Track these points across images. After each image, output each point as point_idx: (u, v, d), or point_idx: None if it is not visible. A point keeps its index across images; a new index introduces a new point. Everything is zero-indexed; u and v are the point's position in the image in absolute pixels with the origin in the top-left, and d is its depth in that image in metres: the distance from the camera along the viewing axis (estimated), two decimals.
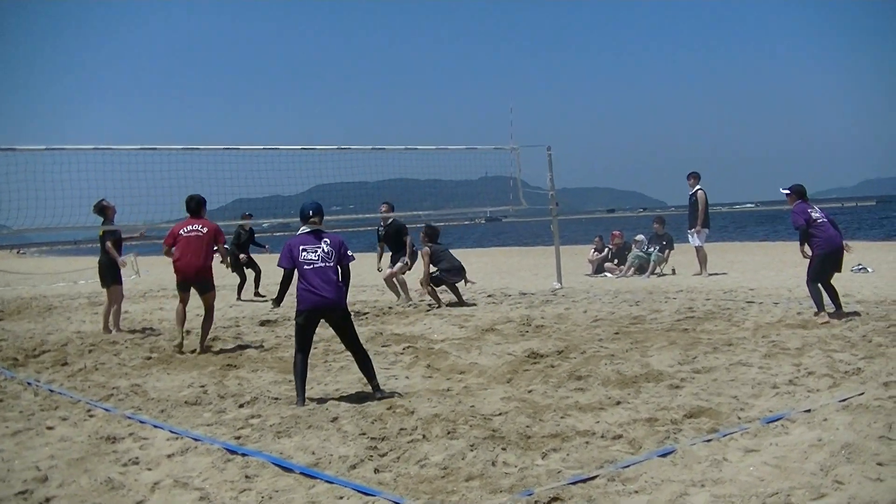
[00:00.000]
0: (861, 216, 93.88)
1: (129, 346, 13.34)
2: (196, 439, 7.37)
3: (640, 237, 23.79)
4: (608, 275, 23.41)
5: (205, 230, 12.79)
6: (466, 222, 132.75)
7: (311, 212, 9.44)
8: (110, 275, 15.27)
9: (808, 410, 7.29)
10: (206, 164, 16.97)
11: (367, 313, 16.24)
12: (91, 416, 8.56)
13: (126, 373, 11.02)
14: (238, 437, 7.45)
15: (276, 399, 8.96)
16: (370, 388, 9.14)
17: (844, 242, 13.10)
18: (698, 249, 21.64)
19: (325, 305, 9.03)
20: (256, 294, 20.86)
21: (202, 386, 9.89)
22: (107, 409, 8.77)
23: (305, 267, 9.07)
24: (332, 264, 9.18)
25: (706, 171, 22.14)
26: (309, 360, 9.29)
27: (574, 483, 5.71)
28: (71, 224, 15.52)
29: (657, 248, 22.94)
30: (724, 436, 6.66)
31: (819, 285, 12.92)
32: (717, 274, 21.38)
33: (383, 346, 12.20)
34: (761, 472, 5.80)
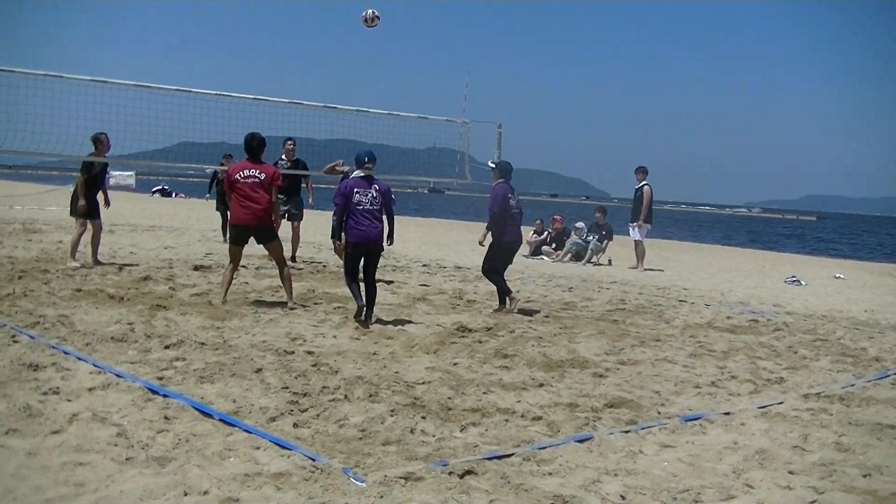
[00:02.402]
0: (801, 229, 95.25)
1: (60, 276, 13.15)
2: (119, 375, 7.28)
3: (580, 224, 23.92)
4: (545, 258, 23.54)
5: (263, 175, 11.76)
6: (409, 190, 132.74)
7: (366, 158, 11.26)
8: (73, 206, 15.06)
9: (728, 413, 7.35)
10: (157, 103, 16.77)
11: (302, 269, 16.16)
12: (15, 341, 8.42)
13: (54, 302, 10.85)
14: (161, 378, 7.38)
15: (203, 344, 8.88)
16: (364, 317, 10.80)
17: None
18: (637, 243, 21.78)
19: (369, 240, 11.02)
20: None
21: (130, 323, 9.75)
22: (32, 337, 8.64)
23: (357, 207, 10.95)
24: (377, 207, 11.10)
25: (652, 168, 22.25)
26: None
27: (490, 458, 5.70)
28: (18, 149, 15.27)
29: (596, 237, 23.09)
30: (643, 429, 6.69)
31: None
32: (653, 270, 21.53)
33: (315, 304, 12.14)
34: (675, 468, 5.83)
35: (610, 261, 23.10)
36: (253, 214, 11.69)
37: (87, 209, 14.81)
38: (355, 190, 10.98)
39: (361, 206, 10.96)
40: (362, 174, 11.19)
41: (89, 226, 14.93)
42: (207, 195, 25.59)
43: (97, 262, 14.92)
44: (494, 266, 12.90)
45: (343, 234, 11.15)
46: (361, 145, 17.31)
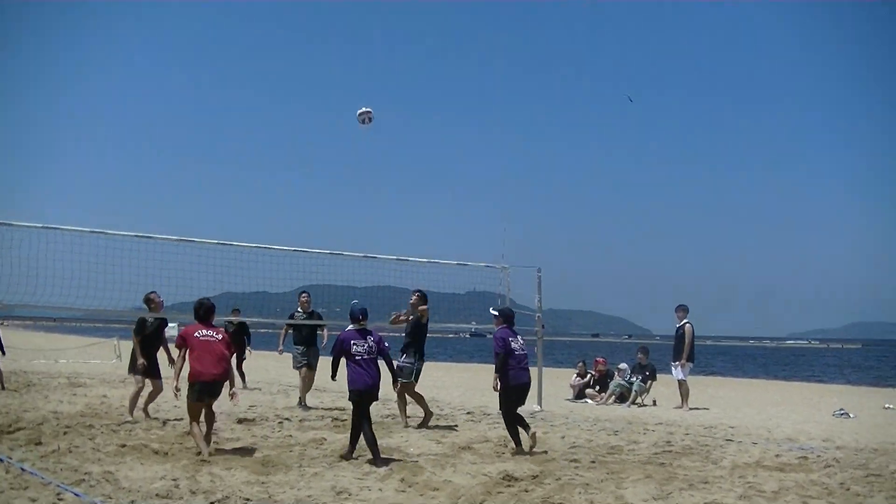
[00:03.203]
0: (847, 359, 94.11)
1: (105, 431, 13.26)
2: None
3: (623, 366, 23.80)
4: (589, 401, 23.35)
5: (220, 336, 12.26)
6: (451, 335, 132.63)
7: (360, 315, 12.33)
8: (132, 364, 15.43)
9: None
10: (199, 257, 17.11)
11: (346, 420, 16.14)
12: (60, 499, 8.51)
13: (99, 458, 10.95)
14: None
15: (248, 500, 8.91)
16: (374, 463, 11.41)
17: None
18: (681, 383, 21.64)
19: (370, 387, 11.97)
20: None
21: (174, 479, 9.80)
22: (77, 495, 8.71)
23: (357, 357, 11.95)
24: (374, 356, 12.13)
25: (692, 303, 22.42)
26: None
27: None
28: (64, 304, 15.63)
29: (640, 377, 22.94)
30: None
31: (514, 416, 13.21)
32: (697, 409, 21.34)
33: (359, 457, 12.12)
34: None
35: (654, 401, 22.93)
36: (211, 374, 11.94)
37: (145, 368, 15.05)
38: (353, 342, 12.04)
39: (360, 357, 12.01)
40: (356, 327, 12.29)
41: (148, 384, 15.14)
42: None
43: (147, 416, 15.05)
44: (510, 410, 13.23)
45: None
46: (402, 292, 17.42)
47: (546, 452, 13.02)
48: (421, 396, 16.26)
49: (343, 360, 12.09)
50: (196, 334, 12.12)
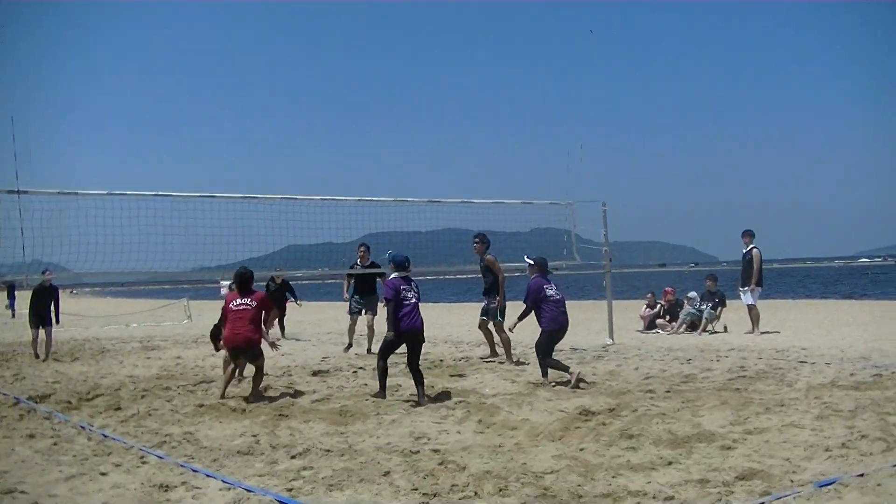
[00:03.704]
0: None
1: (182, 392, 13.50)
2: (248, 490, 7.44)
3: (692, 294, 23.70)
4: (660, 331, 23.31)
5: (253, 303, 13.18)
6: (517, 274, 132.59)
7: (407, 263, 13.00)
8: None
9: (862, 475, 7.24)
10: (262, 212, 17.25)
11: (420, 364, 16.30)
12: (144, 462, 8.66)
13: (178, 420, 11.16)
14: (290, 490, 7.51)
15: (328, 451, 9.01)
16: (418, 402, 12.11)
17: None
18: (751, 308, 21.53)
19: (417, 330, 12.55)
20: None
21: (254, 435, 9.98)
22: (160, 457, 8.88)
23: (405, 302, 12.51)
24: (419, 301, 12.77)
25: (759, 227, 22.19)
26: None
27: None
28: (132, 269, 15.87)
29: (709, 305, 22.84)
30: (777, 499, 6.65)
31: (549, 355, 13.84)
32: (769, 332, 21.22)
33: (435, 400, 12.26)
34: None
35: (725, 327, 22.83)
36: (239, 339, 13.01)
37: None
38: (402, 287, 12.62)
39: (409, 302, 12.61)
40: (402, 274, 12.86)
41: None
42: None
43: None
44: (546, 351, 13.79)
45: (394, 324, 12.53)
46: (466, 234, 17.54)
47: (620, 384, 13.09)
48: (492, 336, 16.52)
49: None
50: (231, 304, 13.23)
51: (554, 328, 13.79)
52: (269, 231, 17.38)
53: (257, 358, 13.12)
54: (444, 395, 12.66)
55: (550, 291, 13.97)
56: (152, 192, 16.08)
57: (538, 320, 13.89)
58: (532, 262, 14.56)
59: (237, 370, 13.60)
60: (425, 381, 12.62)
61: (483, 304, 17.40)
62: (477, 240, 17.29)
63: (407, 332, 12.49)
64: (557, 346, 13.83)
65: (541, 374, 13.79)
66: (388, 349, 12.76)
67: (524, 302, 14.12)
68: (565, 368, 13.44)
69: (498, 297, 16.66)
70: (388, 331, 12.50)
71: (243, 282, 13.43)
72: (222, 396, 12.82)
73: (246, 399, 12.61)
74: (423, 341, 12.92)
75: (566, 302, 14.09)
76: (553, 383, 13.32)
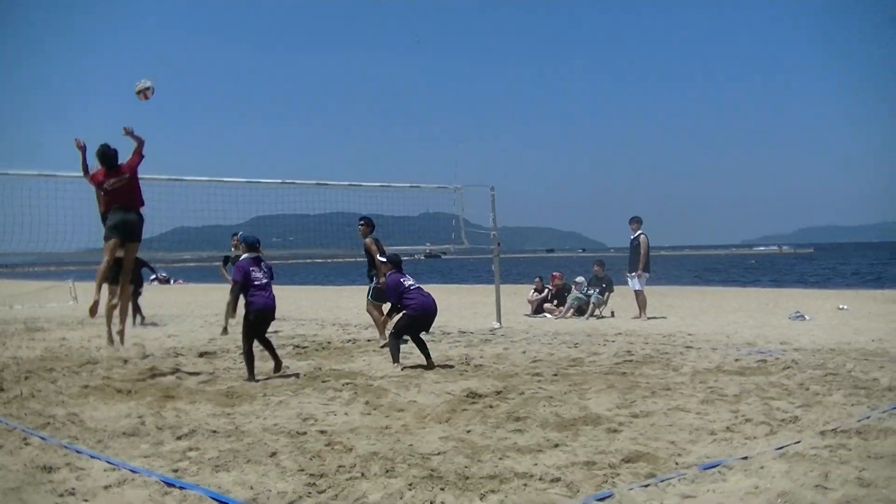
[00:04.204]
0: (798, 264, 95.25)
1: (67, 374, 13.13)
2: (133, 471, 7.22)
3: (580, 279, 23.89)
4: (548, 315, 23.50)
5: (127, 175, 13.55)
6: (406, 258, 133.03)
7: (257, 244, 13.20)
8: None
9: (745, 458, 7.30)
10: (150, 194, 16.83)
11: (307, 347, 16.15)
12: (27, 444, 8.36)
13: (63, 401, 10.81)
14: (176, 470, 7.32)
15: (215, 432, 8.83)
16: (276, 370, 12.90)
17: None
18: (638, 293, 21.79)
19: (269, 308, 12.90)
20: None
21: (140, 416, 9.71)
22: (43, 438, 8.57)
23: (256, 282, 12.79)
24: (269, 281, 12.99)
25: (645, 214, 22.54)
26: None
27: None
28: (15, 250, 15.45)
29: (597, 290, 23.07)
30: (662, 481, 6.64)
31: (402, 338, 14.12)
32: (655, 318, 21.52)
33: (323, 382, 12.11)
34: None
35: (613, 312, 23.10)
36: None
37: None
38: (251, 268, 12.91)
39: (259, 282, 12.88)
40: (254, 255, 13.12)
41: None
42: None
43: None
44: (398, 333, 13.94)
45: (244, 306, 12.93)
46: (356, 217, 17.40)
47: (507, 367, 13.10)
48: (381, 316, 16.34)
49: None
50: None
51: (421, 313, 13.75)
52: (156, 213, 16.98)
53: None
54: (332, 377, 12.52)
55: (409, 283, 14.07)
56: (35, 172, 15.63)
57: (405, 309, 13.82)
58: (384, 260, 14.97)
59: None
60: (310, 361, 12.53)
61: (368, 285, 17.33)
62: (362, 222, 17.21)
63: (261, 311, 12.80)
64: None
65: (392, 357, 13.76)
66: (247, 331, 12.91)
67: (389, 301, 14.34)
68: (396, 358, 13.57)
69: (381, 279, 16.50)
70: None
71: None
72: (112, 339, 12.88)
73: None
74: (273, 319, 13.29)
75: (455, 287, 14.16)
76: (401, 367, 13.30)
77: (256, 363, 12.64)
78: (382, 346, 15.78)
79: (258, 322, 12.88)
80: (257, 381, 12.31)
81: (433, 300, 14.01)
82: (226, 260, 20.15)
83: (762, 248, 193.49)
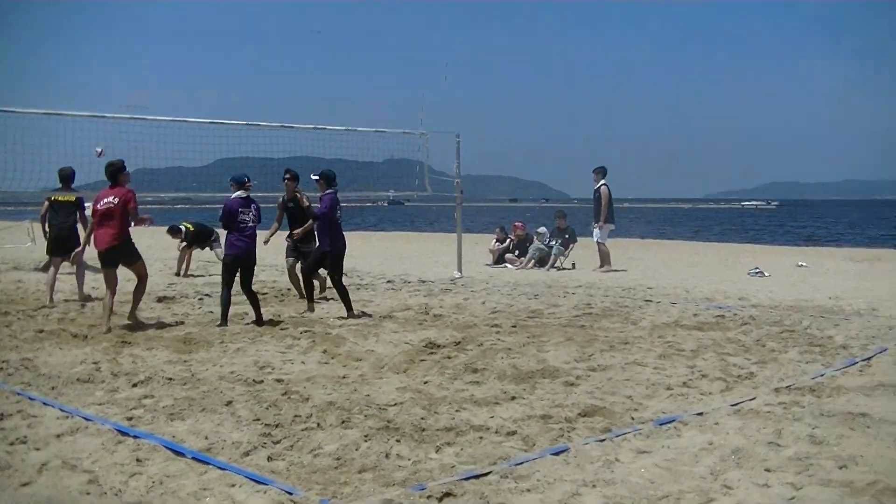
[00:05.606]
0: (760, 219, 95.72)
1: (22, 318, 13.00)
2: (87, 419, 7.18)
3: (542, 230, 23.84)
4: (508, 266, 23.45)
5: (116, 200, 12.23)
6: (369, 204, 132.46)
7: (246, 179, 12.89)
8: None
9: (701, 413, 7.35)
10: (110, 133, 16.58)
11: (266, 294, 16.07)
12: None
13: (16, 346, 10.71)
14: (130, 419, 7.28)
15: (171, 379, 8.79)
16: (257, 323, 12.51)
17: None
18: (600, 245, 21.80)
19: (247, 254, 12.64)
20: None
21: (95, 363, 9.65)
22: None
23: (241, 225, 12.56)
24: (256, 223, 12.75)
25: (610, 166, 22.40)
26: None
27: (467, 479, 5.66)
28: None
29: (559, 241, 23.04)
30: (617, 436, 6.67)
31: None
32: (616, 271, 21.54)
33: (281, 330, 12.06)
34: (652, 473, 5.81)
35: (574, 264, 23.08)
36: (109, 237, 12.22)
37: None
38: (240, 209, 12.64)
39: (244, 224, 12.66)
40: (244, 194, 12.81)
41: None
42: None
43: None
44: (314, 269, 14.02)
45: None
46: (319, 161, 17.16)
47: (467, 318, 13.10)
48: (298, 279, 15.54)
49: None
50: (97, 206, 12.37)
51: (342, 246, 13.66)
52: (118, 152, 16.69)
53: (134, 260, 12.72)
54: (290, 325, 12.48)
55: (338, 212, 13.64)
56: None
57: (328, 238, 13.53)
58: (318, 177, 13.72)
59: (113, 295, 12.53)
60: (268, 308, 12.45)
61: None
62: (287, 176, 15.42)
63: (238, 256, 12.64)
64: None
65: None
66: (224, 275, 12.81)
67: (318, 213, 13.54)
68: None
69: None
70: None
71: (111, 174, 12.53)
72: (108, 329, 11.91)
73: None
74: (254, 265, 13.05)
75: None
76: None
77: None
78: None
79: (234, 266, 12.69)
80: (227, 326, 12.29)
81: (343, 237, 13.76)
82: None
83: (751, 203, 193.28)
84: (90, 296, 15.29)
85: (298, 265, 14.72)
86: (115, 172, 12.45)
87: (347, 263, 15.15)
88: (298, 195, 14.28)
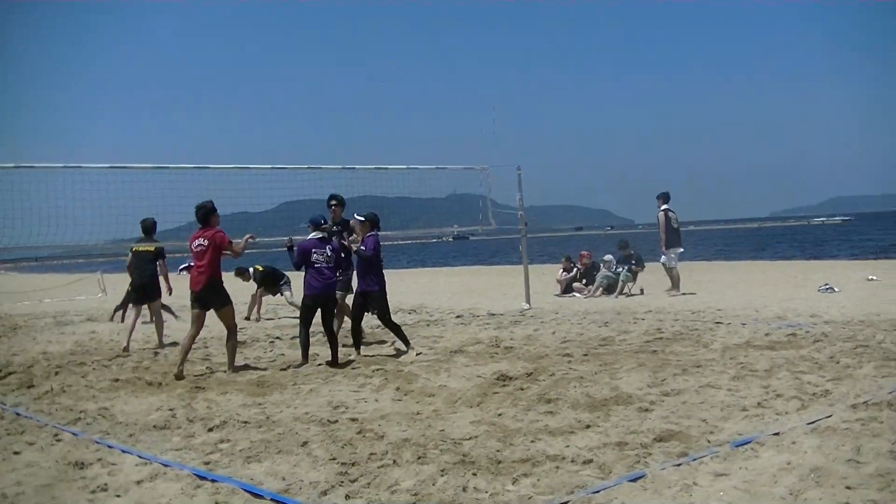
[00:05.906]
0: (827, 235, 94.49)
1: (97, 367, 13.23)
2: (165, 465, 7.28)
3: (608, 257, 23.79)
4: (577, 295, 23.41)
5: (206, 242, 12.51)
6: (434, 240, 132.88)
7: (322, 221, 13.29)
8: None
9: (777, 433, 7.29)
10: (176, 182, 16.84)
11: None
12: (58, 440, 8.44)
13: (93, 395, 10.90)
14: (207, 463, 7.37)
15: (246, 423, 8.88)
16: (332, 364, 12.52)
17: None
18: (668, 269, 21.71)
19: (324, 293, 12.85)
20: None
21: (171, 409, 9.79)
22: (74, 434, 8.65)
23: (315, 265, 12.81)
24: (332, 264, 13.00)
25: (674, 190, 22.32)
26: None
27: None
28: (43, 243, 15.50)
29: (626, 267, 22.97)
30: (694, 460, 6.65)
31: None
32: (685, 294, 21.43)
33: (353, 369, 12.15)
34: (731, 496, 5.79)
35: (642, 290, 23.00)
36: (202, 278, 12.51)
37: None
38: (314, 250, 12.90)
39: (319, 264, 12.87)
40: (319, 235, 13.11)
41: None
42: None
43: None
44: (361, 314, 13.92)
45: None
46: (382, 200, 17.22)
47: (538, 349, 13.09)
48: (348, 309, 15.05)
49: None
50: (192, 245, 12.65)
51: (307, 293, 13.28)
52: (181, 201, 16.97)
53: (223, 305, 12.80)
54: (362, 364, 12.56)
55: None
56: (61, 165, 15.66)
57: (375, 277, 13.46)
58: (363, 218, 13.64)
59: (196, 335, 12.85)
60: (342, 348, 12.53)
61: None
62: (334, 202, 15.32)
63: (315, 295, 12.87)
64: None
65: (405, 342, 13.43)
66: (302, 314, 13.15)
67: (365, 254, 13.28)
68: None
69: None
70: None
71: (201, 217, 12.76)
72: (180, 371, 12.13)
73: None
74: (335, 304, 13.38)
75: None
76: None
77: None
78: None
79: (314, 307, 12.95)
80: (297, 369, 12.43)
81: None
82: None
83: (820, 220, 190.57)
84: (164, 343, 15.54)
85: (349, 297, 14.78)
86: (207, 214, 12.71)
87: (416, 300, 15.29)
88: (347, 244, 14.10)
